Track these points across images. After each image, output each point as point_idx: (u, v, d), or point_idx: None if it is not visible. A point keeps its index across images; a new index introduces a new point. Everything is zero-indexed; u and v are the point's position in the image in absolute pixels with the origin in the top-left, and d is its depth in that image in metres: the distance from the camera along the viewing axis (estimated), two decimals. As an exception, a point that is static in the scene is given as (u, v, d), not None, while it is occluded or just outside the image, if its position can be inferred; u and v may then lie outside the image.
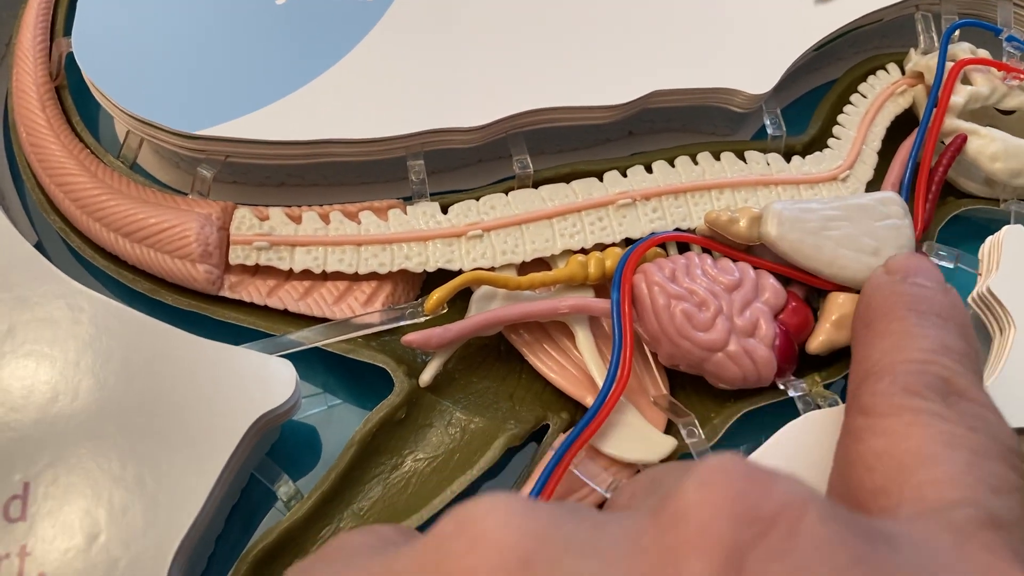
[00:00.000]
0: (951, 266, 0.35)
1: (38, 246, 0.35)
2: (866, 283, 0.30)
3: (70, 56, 0.35)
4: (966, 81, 0.36)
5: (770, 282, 0.32)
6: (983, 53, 0.37)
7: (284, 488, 0.30)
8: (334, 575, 0.19)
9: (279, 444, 0.32)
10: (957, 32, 0.37)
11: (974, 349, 0.27)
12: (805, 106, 0.40)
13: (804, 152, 0.37)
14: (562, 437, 0.31)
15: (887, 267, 0.30)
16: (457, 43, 0.35)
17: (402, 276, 0.33)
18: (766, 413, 0.33)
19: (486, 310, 0.32)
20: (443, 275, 0.33)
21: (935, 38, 0.38)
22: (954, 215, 0.37)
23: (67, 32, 0.36)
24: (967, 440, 0.23)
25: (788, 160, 0.36)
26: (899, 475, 0.22)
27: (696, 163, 0.35)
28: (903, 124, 0.38)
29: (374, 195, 0.36)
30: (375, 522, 0.30)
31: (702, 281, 0.31)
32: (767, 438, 0.32)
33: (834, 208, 0.33)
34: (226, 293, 0.32)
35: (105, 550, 0.26)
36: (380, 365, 0.31)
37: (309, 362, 0.33)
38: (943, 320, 0.27)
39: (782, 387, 0.32)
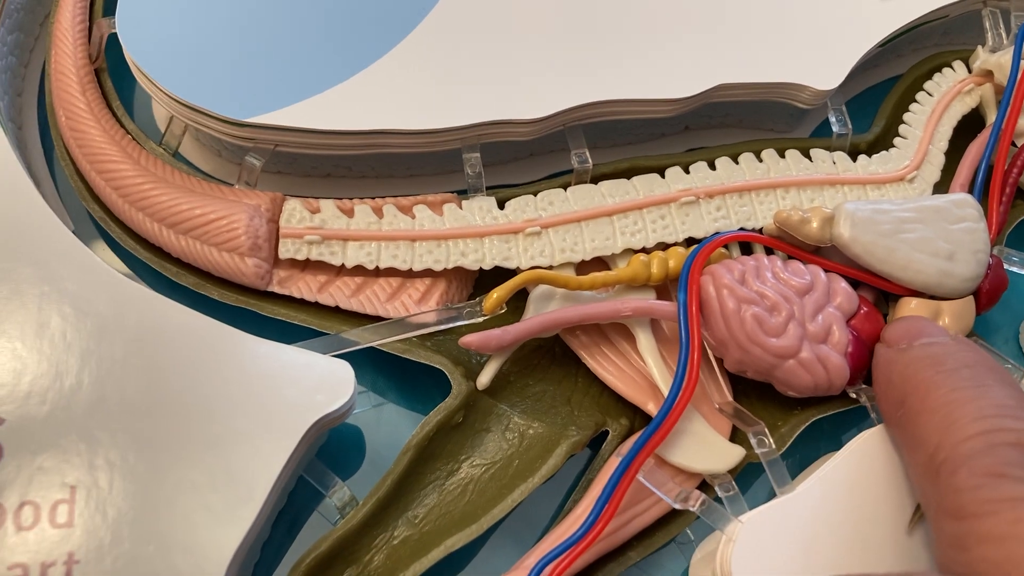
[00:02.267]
0: (1023, 272, 0.33)
1: (75, 235, 0.34)
2: (874, 364, 0.29)
3: (111, 37, 0.33)
4: (1038, 82, 0.35)
5: (842, 286, 0.31)
6: (1057, 51, 0.36)
7: (339, 494, 0.29)
8: None
9: (324, 444, 0.31)
10: (1029, 30, 0.36)
11: (1016, 388, 0.25)
12: (864, 103, 0.39)
13: (869, 151, 0.36)
14: (628, 444, 0.29)
15: (885, 340, 0.29)
16: (515, 32, 0.34)
17: (456, 274, 0.32)
18: (832, 421, 0.31)
19: (544, 311, 0.31)
20: (496, 273, 0.31)
21: (1003, 35, 0.37)
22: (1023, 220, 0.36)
23: (107, 12, 0.35)
24: None
25: (853, 159, 0.35)
26: None
27: (761, 160, 0.34)
28: (969, 124, 0.36)
29: (424, 187, 0.35)
30: (430, 530, 0.29)
31: (772, 284, 0.30)
32: (832, 447, 0.31)
33: (908, 210, 0.31)
34: (275, 288, 0.31)
35: (156, 558, 0.25)
36: (437, 366, 0.30)
37: (355, 363, 0.32)
38: (976, 375, 0.25)
39: (853, 395, 0.31)
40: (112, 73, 0.35)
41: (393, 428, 0.33)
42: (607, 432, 0.31)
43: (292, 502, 0.31)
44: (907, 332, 0.29)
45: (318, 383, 0.27)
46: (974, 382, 0.25)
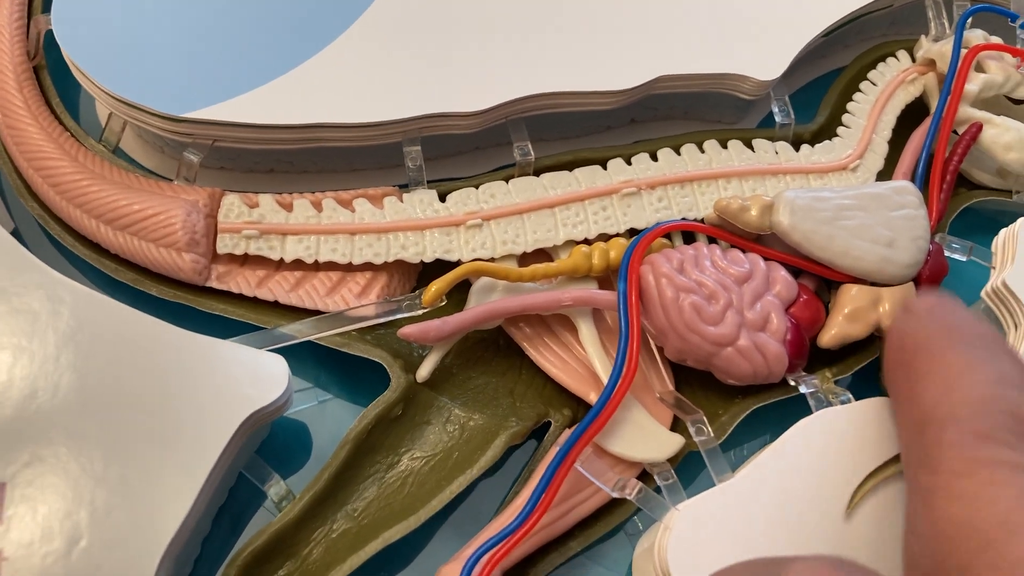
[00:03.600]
0: (963, 259, 0.34)
1: (15, 233, 0.34)
2: (889, 329, 0.28)
3: (49, 34, 0.33)
4: (979, 69, 0.35)
5: (781, 274, 0.31)
6: (996, 40, 0.36)
7: (275, 488, 0.29)
8: None
9: (268, 441, 0.31)
10: (971, 17, 0.36)
11: None
12: (811, 94, 0.39)
13: (813, 141, 0.36)
14: (566, 434, 0.29)
15: (906, 307, 0.29)
16: (457, 23, 0.34)
17: (398, 267, 0.32)
18: (775, 410, 0.32)
19: (486, 302, 0.31)
20: (440, 266, 0.31)
21: (947, 25, 0.37)
22: (966, 207, 0.36)
23: (45, 9, 0.34)
24: None
25: (796, 149, 0.35)
26: (986, 552, 0.19)
27: (703, 151, 0.34)
28: (913, 113, 0.37)
29: (368, 182, 0.35)
30: (369, 523, 0.29)
31: (711, 273, 0.30)
32: (775, 436, 0.31)
33: (848, 197, 0.31)
34: (213, 284, 0.31)
35: (87, 554, 0.25)
36: (376, 360, 0.30)
37: (300, 356, 0.32)
38: (988, 346, 0.25)
39: (793, 383, 0.31)
40: (56, 70, 0.34)
41: (338, 423, 0.32)
42: (550, 423, 0.31)
43: (235, 497, 0.30)
44: (928, 304, 0.29)
45: (252, 377, 0.27)
46: (986, 353, 0.24)
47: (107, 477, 0.26)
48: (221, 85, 0.31)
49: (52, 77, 0.34)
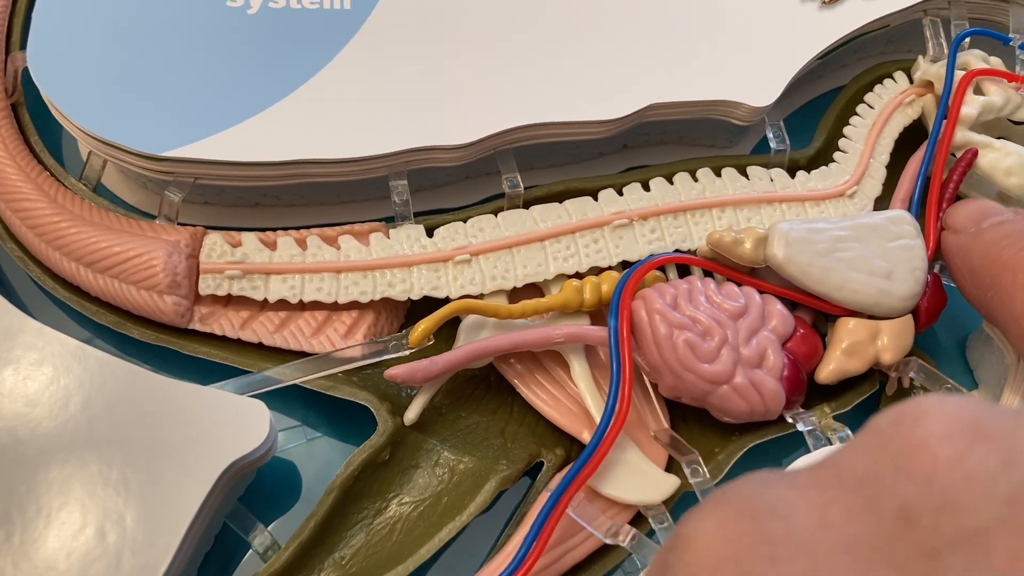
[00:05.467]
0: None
1: (-6, 274, 0.33)
2: (946, 253, 0.29)
3: (27, 71, 0.32)
4: (978, 91, 0.35)
5: (777, 308, 0.30)
6: (995, 62, 0.35)
7: (260, 539, 0.28)
8: (782, 485, 0.17)
9: (256, 481, 0.30)
10: (967, 40, 0.35)
11: None
12: (808, 115, 0.38)
13: (809, 166, 0.35)
14: (558, 478, 0.29)
15: (951, 227, 0.29)
16: (442, 55, 0.33)
17: (385, 305, 0.31)
18: (773, 447, 0.31)
19: (475, 340, 0.30)
20: (429, 302, 0.31)
21: (944, 45, 0.36)
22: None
23: (23, 45, 0.34)
24: None
25: (792, 175, 0.34)
26: None
27: (696, 180, 0.33)
28: (912, 135, 0.36)
29: (354, 214, 0.35)
30: (357, 571, 0.28)
31: (706, 308, 0.29)
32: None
33: (844, 228, 0.31)
34: (196, 326, 0.30)
35: (64, 614, 0.24)
36: (362, 403, 0.29)
37: (287, 396, 0.31)
38: None
39: (790, 420, 0.30)
40: (35, 106, 0.34)
41: (325, 463, 0.32)
42: (543, 462, 0.30)
43: (222, 542, 0.30)
44: (972, 215, 0.29)
45: (233, 425, 0.27)
46: None
47: (85, 529, 0.25)
48: (201, 122, 0.30)
49: (31, 113, 0.34)
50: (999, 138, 0.34)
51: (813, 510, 0.16)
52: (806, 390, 0.30)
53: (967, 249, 0.28)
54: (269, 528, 0.29)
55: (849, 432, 0.30)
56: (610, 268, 0.32)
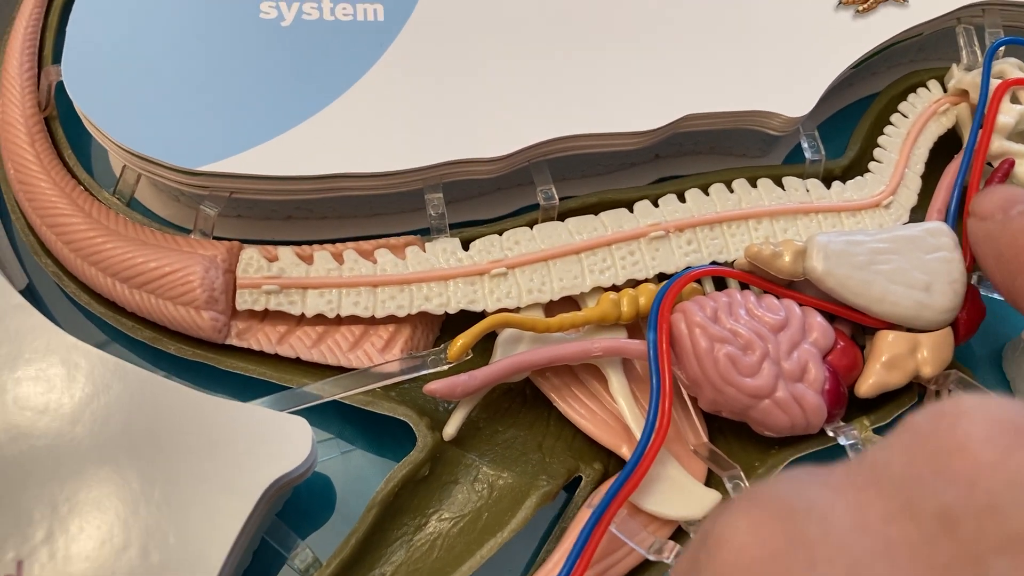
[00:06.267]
0: (1001, 298, 0.33)
1: (29, 288, 0.33)
2: (973, 241, 0.29)
3: (60, 84, 0.32)
4: (1015, 100, 0.34)
5: (817, 320, 0.30)
6: (1032, 69, 0.35)
7: (300, 556, 0.28)
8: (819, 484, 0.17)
9: (291, 495, 0.30)
10: (1002, 48, 0.35)
11: None
12: (839, 123, 0.38)
13: (844, 176, 0.35)
14: (599, 493, 0.29)
15: (977, 214, 0.29)
16: (476, 67, 0.33)
17: (421, 318, 0.31)
18: (814, 460, 0.31)
19: (513, 354, 0.30)
20: (464, 314, 0.31)
21: (978, 53, 0.36)
22: (1002, 241, 0.35)
23: (56, 59, 0.34)
24: None
25: (827, 185, 0.34)
26: None
27: (731, 191, 0.33)
28: (946, 145, 0.36)
29: (388, 226, 0.34)
30: (399, 588, 0.28)
31: (746, 321, 0.29)
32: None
33: (882, 240, 0.30)
34: (233, 341, 0.30)
35: (109, 635, 0.24)
36: (401, 418, 0.29)
37: (322, 409, 0.31)
38: None
39: (831, 434, 0.30)
40: (66, 120, 0.34)
41: (362, 476, 0.32)
42: (581, 477, 0.30)
43: (261, 558, 0.30)
44: (1000, 203, 0.28)
45: (274, 443, 0.26)
46: None
47: (128, 551, 0.25)
48: (237, 136, 0.30)
49: (64, 126, 0.33)
50: (1036, 147, 0.34)
51: (850, 512, 0.16)
52: (847, 403, 0.30)
53: (994, 236, 0.28)
54: (305, 541, 0.29)
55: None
56: (646, 280, 0.32)
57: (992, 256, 0.28)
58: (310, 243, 0.32)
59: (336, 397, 0.29)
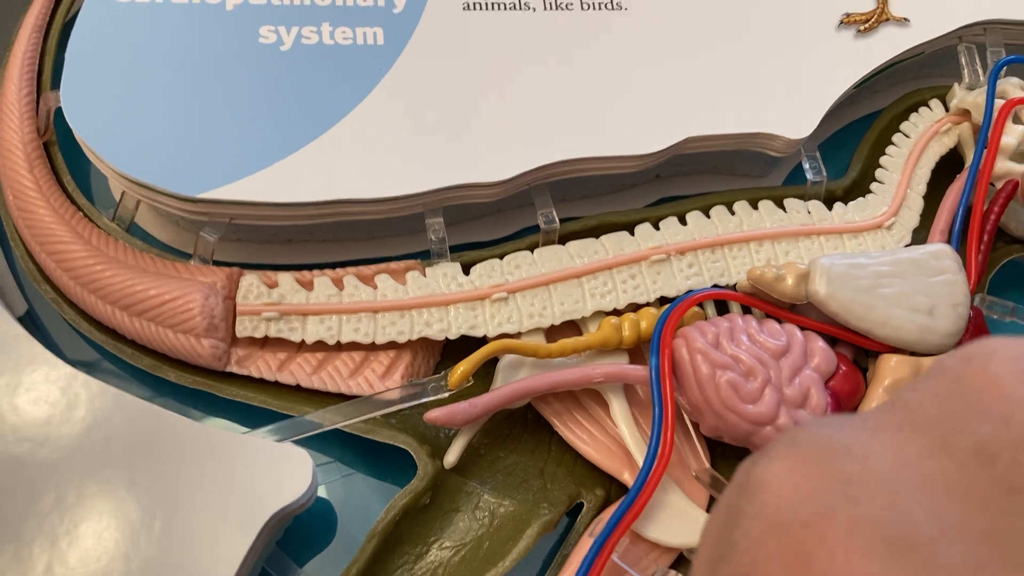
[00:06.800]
0: (1007, 320, 0.32)
1: (29, 313, 0.33)
2: None
3: (59, 109, 0.32)
4: (1017, 120, 0.34)
5: (819, 345, 0.30)
6: (1034, 89, 0.35)
7: (301, 587, 0.28)
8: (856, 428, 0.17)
9: (292, 520, 0.30)
10: (1004, 68, 0.35)
11: None
12: (842, 141, 0.38)
13: (845, 197, 0.35)
14: (600, 521, 0.28)
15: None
16: (477, 90, 0.33)
17: (422, 344, 0.31)
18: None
19: (513, 380, 0.30)
20: (465, 340, 0.31)
21: (980, 72, 0.36)
22: (1006, 261, 0.35)
23: (55, 84, 0.34)
24: None
25: (828, 206, 0.34)
26: None
27: (733, 213, 0.33)
28: (947, 165, 0.35)
29: (389, 249, 0.34)
30: (400, 617, 0.28)
31: (747, 347, 0.29)
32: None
33: (885, 263, 0.30)
34: (233, 368, 0.30)
35: (109, 670, 0.24)
36: (402, 446, 0.29)
37: (323, 435, 0.31)
38: None
39: (834, 459, 0.30)
40: (65, 145, 0.34)
41: (363, 501, 0.32)
42: (582, 503, 0.30)
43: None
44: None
45: (275, 474, 0.26)
46: None
47: (129, 585, 0.25)
48: (236, 163, 0.30)
49: (63, 152, 0.33)
50: (1040, 168, 0.33)
51: (887, 450, 0.16)
52: (849, 429, 0.30)
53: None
54: (304, 568, 0.29)
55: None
56: (648, 304, 0.31)
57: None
58: (311, 267, 0.31)
59: (337, 426, 0.29)
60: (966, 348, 0.17)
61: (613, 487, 0.30)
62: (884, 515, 0.15)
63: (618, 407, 0.30)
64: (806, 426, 0.18)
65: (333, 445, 0.32)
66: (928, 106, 0.36)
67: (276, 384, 0.30)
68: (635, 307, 0.32)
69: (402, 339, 0.30)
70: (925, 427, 0.16)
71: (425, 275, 0.31)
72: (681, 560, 0.29)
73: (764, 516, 0.16)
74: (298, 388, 0.30)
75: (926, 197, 0.35)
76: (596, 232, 0.32)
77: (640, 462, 0.29)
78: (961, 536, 0.15)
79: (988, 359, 0.16)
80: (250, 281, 0.30)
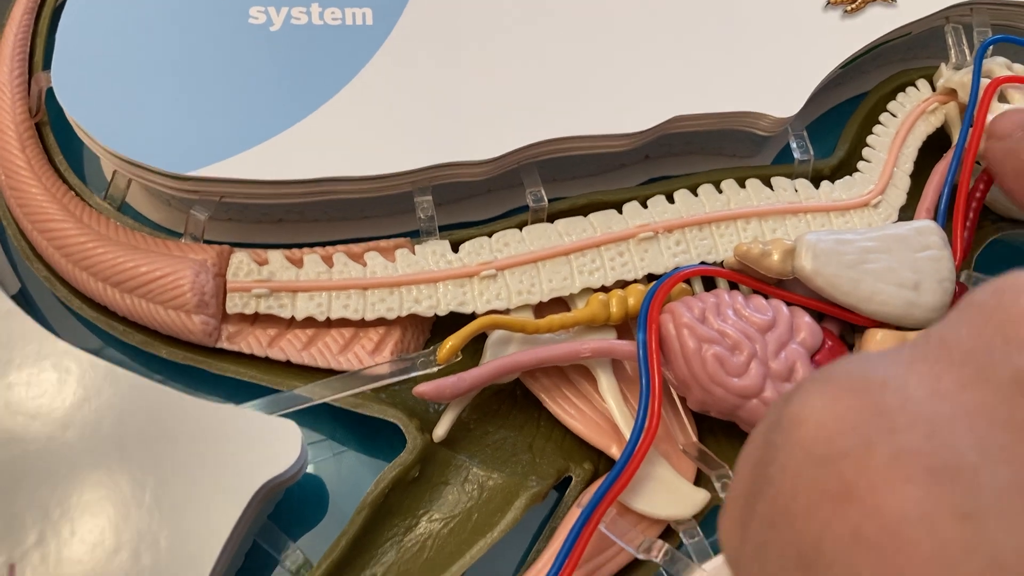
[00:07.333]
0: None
1: (22, 292, 0.33)
2: (991, 159, 0.31)
3: (51, 90, 0.32)
4: (1003, 99, 0.34)
5: (805, 320, 0.30)
6: (1019, 69, 0.35)
7: (292, 558, 0.28)
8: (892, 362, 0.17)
9: (283, 497, 0.30)
10: (991, 47, 0.35)
11: None
12: (829, 122, 0.38)
13: (832, 176, 0.35)
14: (588, 492, 0.29)
15: (996, 133, 0.31)
16: (465, 70, 0.33)
17: (411, 320, 0.31)
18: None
19: (502, 355, 0.30)
20: (454, 316, 0.31)
21: (967, 52, 0.36)
22: (992, 240, 0.35)
23: (46, 65, 0.34)
24: None
25: (816, 185, 0.34)
26: None
27: (720, 191, 0.33)
28: (934, 143, 0.36)
29: (379, 228, 0.34)
30: (390, 589, 0.28)
31: (734, 321, 0.29)
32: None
33: (871, 239, 0.31)
34: (224, 344, 0.30)
35: (100, 638, 0.24)
36: (391, 420, 0.29)
37: (313, 411, 0.31)
38: None
39: (820, 432, 0.30)
40: (57, 125, 0.34)
41: (354, 477, 0.32)
42: (571, 477, 0.30)
43: (253, 559, 0.30)
44: (1019, 122, 0.30)
45: (264, 446, 0.27)
46: None
47: (119, 554, 0.25)
48: (226, 141, 0.30)
49: (55, 132, 0.34)
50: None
51: (924, 382, 0.16)
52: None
53: (1015, 152, 0.29)
54: (297, 543, 0.29)
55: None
56: (635, 281, 0.32)
57: (1012, 172, 0.29)
58: (301, 246, 0.32)
59: (326, 400, 0.29)
60: (996, 282, 0.17)
61: (601, 461, 0.31)
62: (925, 444, 0.15)
63: (606, 382, 0.30)
64: (840, 362, 0.17)
65: (324, 422, 0.32)
66: (915, 86, 0.36)
67: (266, 360, 0.30)
68: (623, 284, 0.32)
69: (391, 316, 0.30)
70: (961, 359, 0.16)
71: (414, 253, 0.31)
72: (668, 531, 0.29)
73: (801, 449, 0.16)
74: (288, 364, 0.30)
75: (913, 176, 0.35)
76: (584, 211, 0.33)
77: (628, 436, 0.29)
78: (1005, 462, 0.14)
79: (1020, 291, 0.16)
80: (240, 258, 0.30)
